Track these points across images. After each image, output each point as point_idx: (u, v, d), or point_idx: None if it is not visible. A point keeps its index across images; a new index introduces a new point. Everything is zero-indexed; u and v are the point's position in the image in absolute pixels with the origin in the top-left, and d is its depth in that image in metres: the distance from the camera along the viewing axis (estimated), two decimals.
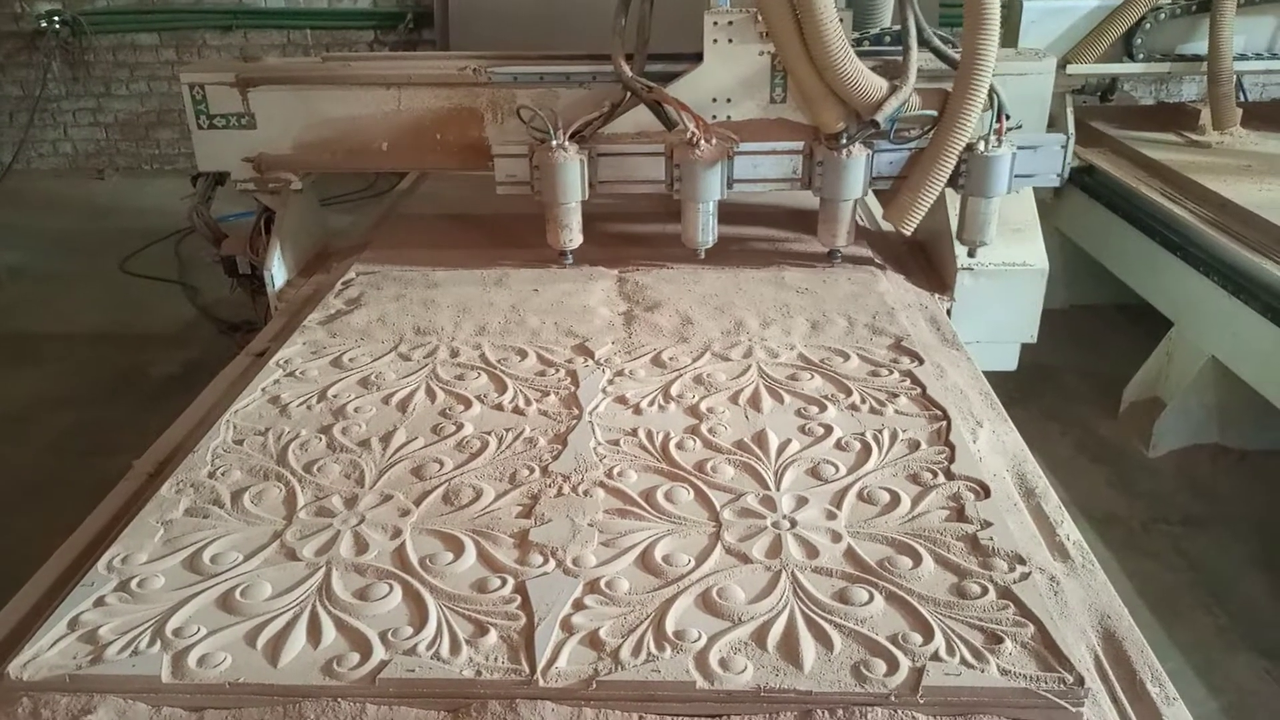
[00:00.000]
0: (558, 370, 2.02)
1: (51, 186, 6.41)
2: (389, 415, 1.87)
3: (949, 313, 2.53)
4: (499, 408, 1.89)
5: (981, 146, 2.41)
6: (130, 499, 1.73)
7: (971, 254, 2.55)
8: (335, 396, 1.94)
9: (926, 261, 2.69)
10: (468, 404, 1.90)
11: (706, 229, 2.52)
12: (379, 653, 1.28)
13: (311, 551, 1.48)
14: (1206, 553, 2.64)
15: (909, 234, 2.51)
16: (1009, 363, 2.66)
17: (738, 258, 2.64)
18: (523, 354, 2.10)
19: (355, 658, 1.28)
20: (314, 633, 1.33)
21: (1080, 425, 3.26)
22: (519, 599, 1.37)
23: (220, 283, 3.23)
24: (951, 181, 2.45)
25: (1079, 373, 3.57)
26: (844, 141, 2.43)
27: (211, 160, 2.69)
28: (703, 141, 2.39)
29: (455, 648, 1.29)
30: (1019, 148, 2.45)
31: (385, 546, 1.49)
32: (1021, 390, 3.16)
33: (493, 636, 1.31)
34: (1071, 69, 3.43)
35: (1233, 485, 2.91)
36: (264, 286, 2.66)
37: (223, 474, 1.69)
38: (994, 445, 1.81)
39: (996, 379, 2.11)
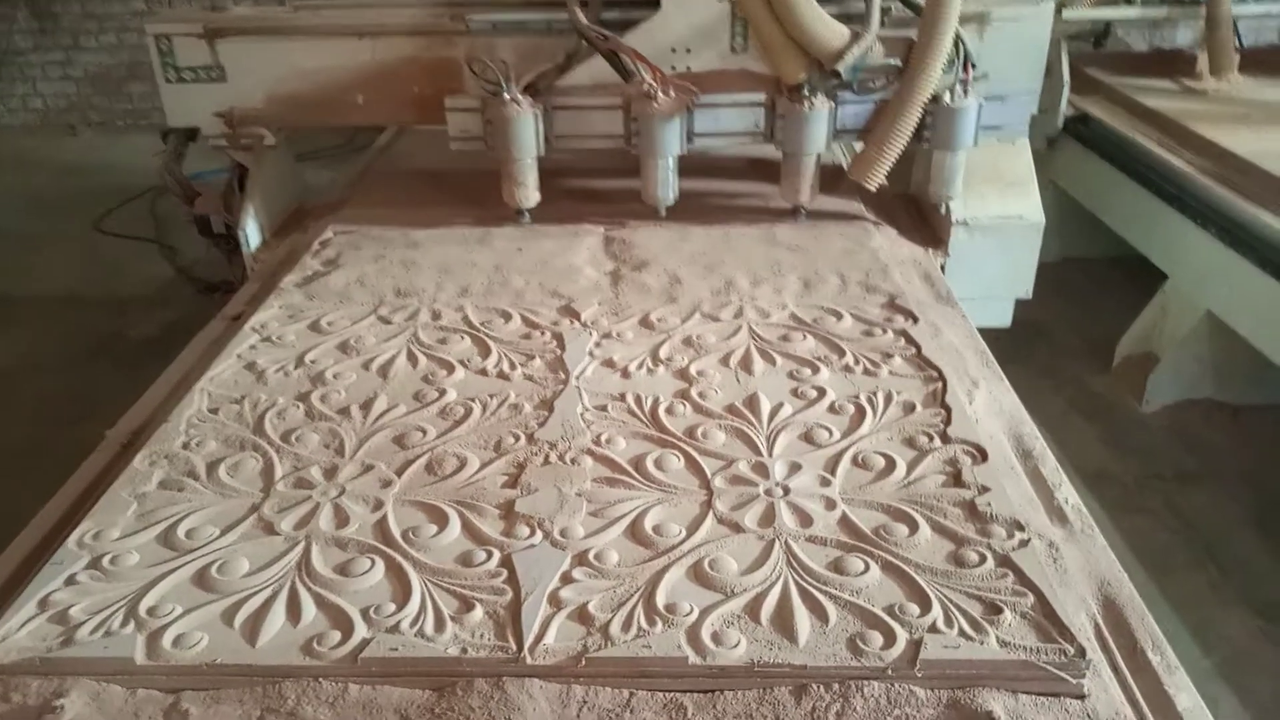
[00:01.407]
0: (543, 333, 1.96)
1: (22, 143, 6.25)
2: (369, 381, 1.82)
3: (943, 268, 2.47)
4: (483, 373, 1.83)
5: (947, 98, 2.34)
6: (103, 471, 1.68)
7: (940, 209, 2.49)
8: (313, 362, 1.88)
9: (920, 216, 2.63)
10: (450, 369, 1.84)
11: (667, 185, 2.45)
12: (361, 631, 1.24)
13: (290, 525, 1.44)
14: (1200, 509, 2.63)
15: (873, 189, 2.45)
16: (1003, 319, 2.61)
17: (712, 214, 2.56)
18: (507, 316, 2.04)
19: (336, 636, 1.24)
20: (293, 610, 1.28)
21: (1073, 381, 3.23)
22: (505, 573, 1.33)
23: (198, 241, 3.14)
24: (917, 134, 2.38)
25: (1071, 328, 3.53)
26: (806, 93, 2.34)
27: (181, 115, 2.60)
28: (660, 93, 2.31)
29: (440, 624, 1.25)
30: (986, 98, 2.38)
31: (366, 519, 1.45)
32: (1014, 346, 3.11)
33: (478, 612, 1.27)
34: (1068, 13, 3.35)
35: (1226, 441, 2.89)
36: (239, 246, 2.57)
37: (198, 445, 1.63)
38: (990, 406, 1.77)
39: (988, 335, 2.07)
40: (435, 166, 2.86)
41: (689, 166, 2.54)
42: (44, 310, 3.95)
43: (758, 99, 2.43)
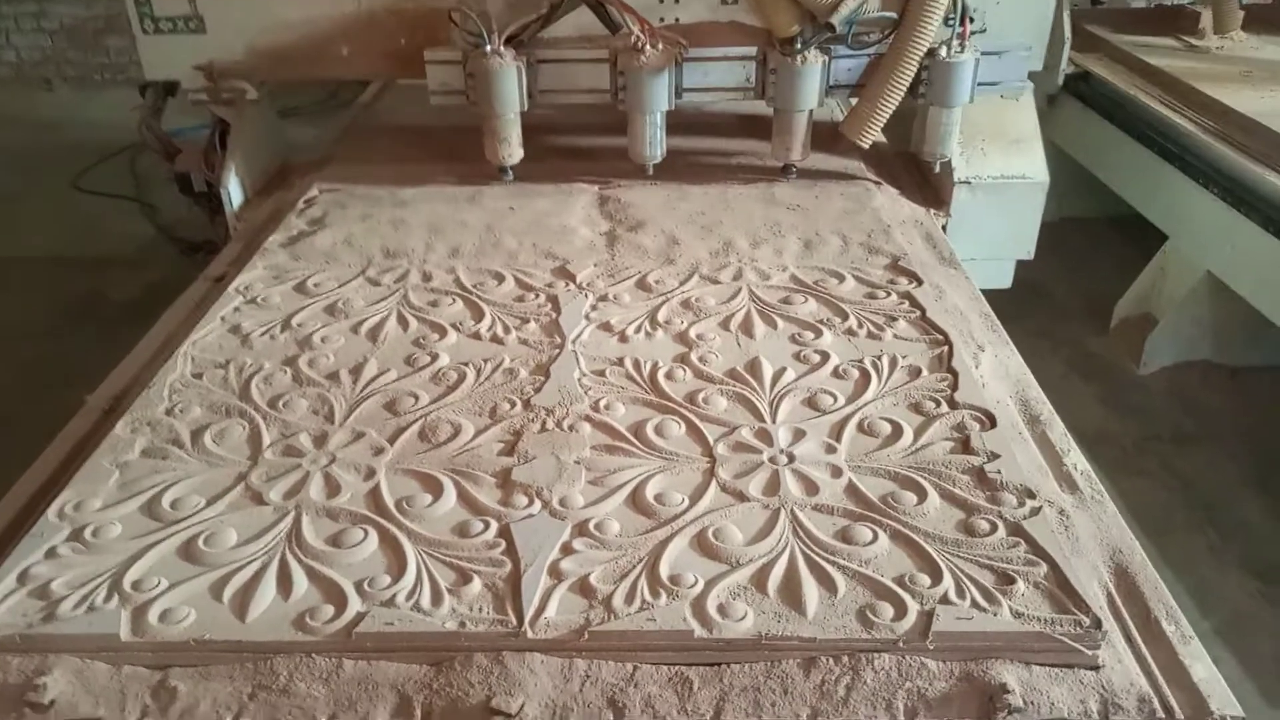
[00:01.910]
0: (537, 295, 1.91)
1: None
2: (358, 345, 1.76)
3: (944, 229, 2.42)
4: (476, 336, 1.78)
5: (943, 52, 2.27)
6: (83, 438, 1.62)
7: (934, 168, 2.44)
8: (300, 325, 1.82)
9: (921, 175, 2.57)
10: (442, 332, 1.78)
11: (654, 142, 2.38)
12: (355, 604, 1.20)
13: (279, 495, 1.39)
14: (1198, 471, 2.62)
15: (865, 146, 2.39)
16: (1004, 280, 2.57)
17: (706, 173, 2.50)
18: (500, 278, 1.98)
19: (329, 610, 1.20)
20: (284, 583, 1.24)
21: (1070, 342, 3.20)
22: (503, 544, 1.29)
23: (179, 200, 3.05)
24: (911, 90, 2.32)
25: (1069, 288, 3.50)
26: (798, 47, 2.26)
27: (159, 68, 2.50)
28: (648, 46, 2.23)
29: (437, 598, 1.21)
30: (983, 53, 2.31)
31: (358, 488, 1.40)
32: (1012, 306, 3.07)
33: (476, 585, 1.23)
34: None
35: (1224, 402, 2.87)
36: (222, 205, 2.50)
37: (181, 411, 1.58)
38: (996, 370, 1.73)
39: (987, 296, 2.02)
40: (423, 122, 2.77)
41: (679, 123, 2.47)
42: (21, 271, 3.86)
43: (749, 53, 2.36)
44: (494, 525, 1.32)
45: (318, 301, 1.90)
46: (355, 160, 2.64)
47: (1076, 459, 1.54)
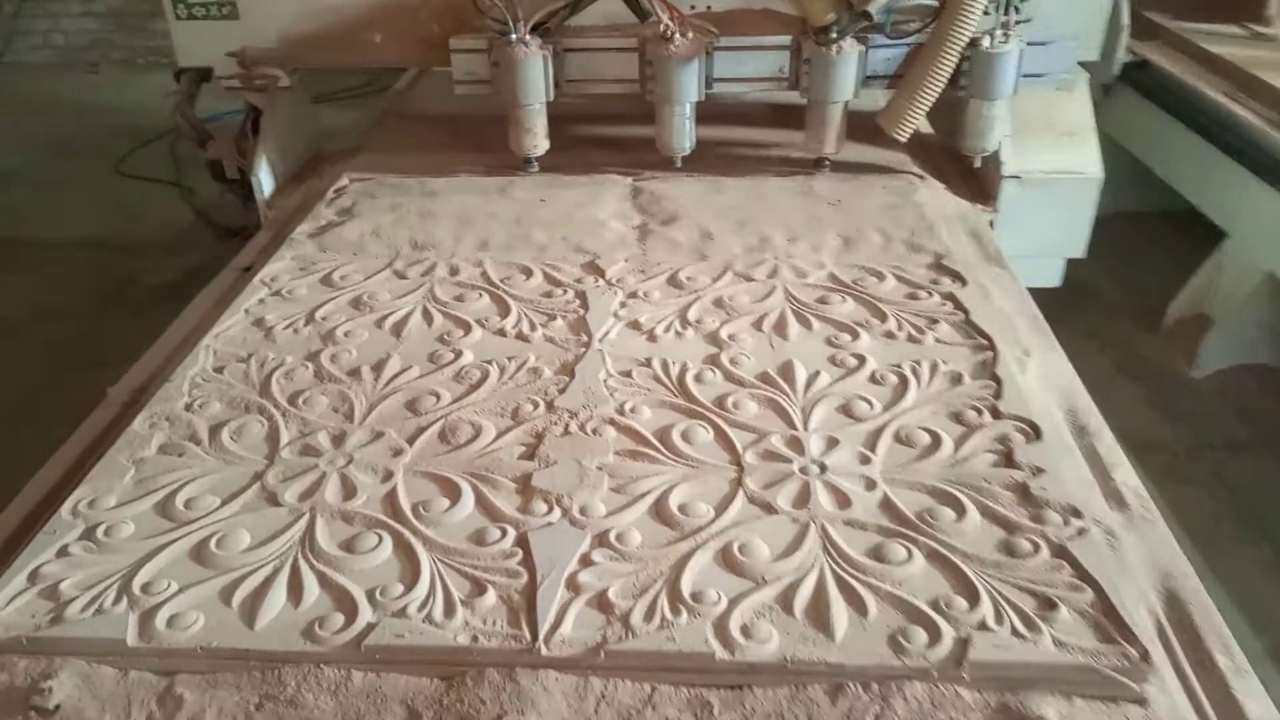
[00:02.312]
0: (565, 291, 1.86)
1: (43, 81, 6.16)
2: (382, 340, 1.73)
3: (991, 225, 2.33)
4: (501, 333, 1.73)
5: (986, 42, 2.17)
6: (103, 432, 1.60)
7: (975, 163, 2.35)
8: (324, 319, 1.79)
9: (967, 169, 2.48)
10: (467, 329, 1.74)
11: (683, 133, 2.31)
12: (365, 614, 1.16)
13: (294, 496, 1.35)
14: (1252, 481, 2.51)
15: (903, 140, 2.30)
16: (1053, 278, 2.47)
17: (740, 164, 2.42)
18: (528, 272, 1.93)
19: (340, 619, 1.16)
20: (295, 590, 1.21)
21: (1120, 343, 3.09)
22: (520, 553, 1.24)
23: (215, 185, 3.06)
24: (953, 81, 2.22)
25: (1120, 285, 3.37)
26: (834, 36, 2.18)
27: (192, 54, 2.48)
28: (678, 35, 2.16)
29: (450, 609, 1.17)
30: (1028, 43, 2.21)
31: (375, 491, 1.36)
32: (1059, 303, 2.97)
33: (491, 596, 1.18)
34: None
35: None
36: (254, 192, 2.48)
37: (201, 406, 1.55)
38: (1043, 377, 1.65)
39: (1033, 294, 1.94)
40: (456, 110, 2.73)
41: (714, 112, 2.40)
42: (60, 254, 3.89)
43: (782, 42, 2.28)
44: (511, 533, 1.28)
45: (343, 294, 1.87)
46: (387, 149, 2.61)
47: (1126, 474, 1.46)
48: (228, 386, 1.60)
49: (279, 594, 1.20)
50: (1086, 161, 2.35)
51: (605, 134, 2.66)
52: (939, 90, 2.21)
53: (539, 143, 2.33)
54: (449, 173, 2.40)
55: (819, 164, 2.38)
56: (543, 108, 2.29)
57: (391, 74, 4.22)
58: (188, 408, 1.55)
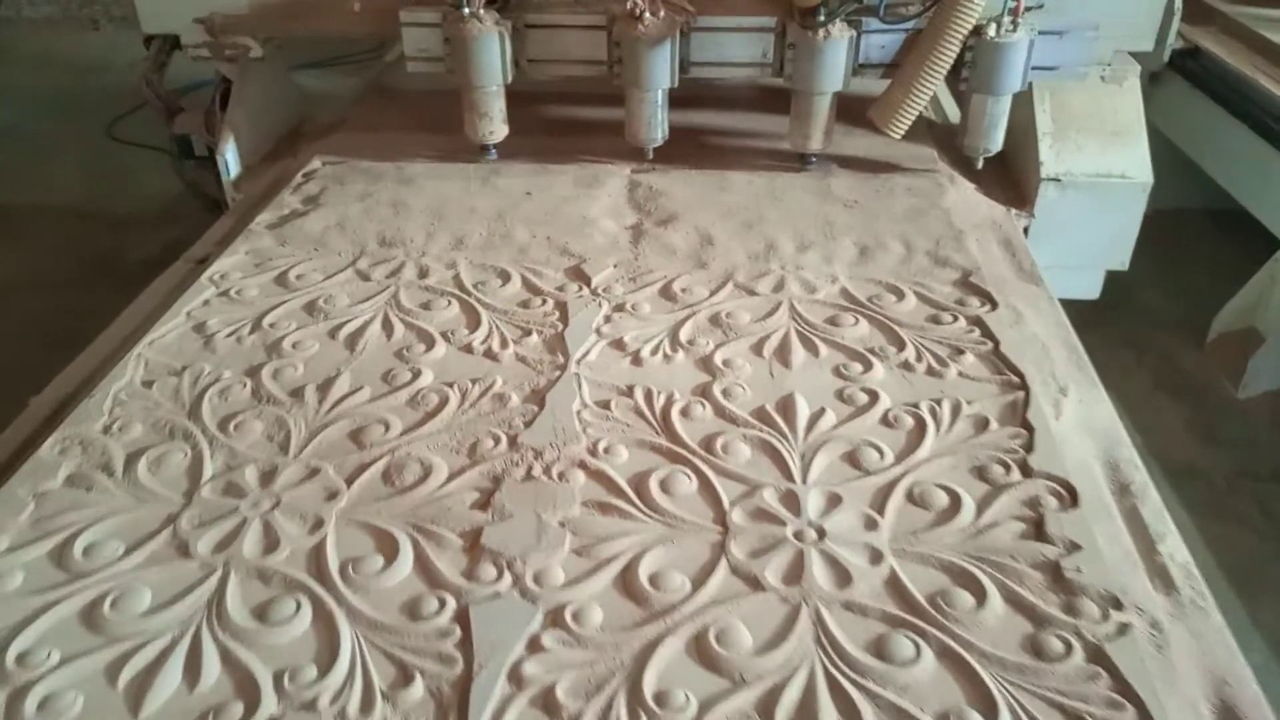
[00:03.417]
0: (544, 301, 1.66)
1: (42, 38, 5.97)
2: (333, 354, 1.54)
3: (1025, 231, 2.11)
4: (468, 349, 1.54)
5: (992, 30, 1.94)
6: (16, 450, 1.42)
7: (976, 163, 2.13)
8: (272, 326, 1.60)
9: (1001, 165, 2.25)
10: (430, 343, 1.55)
11: (654, 124, 2.09)
12: (269, 705, 0.98)
13: (208, 546, 1.17)
14: None
15: (897, 138, 2.07)
16: (1091, 290, 2.25)
17: (739, 155, 2.21)
18: (505, 277, 1.73)
19: (238, 709, 0.98)
20: (192, 668, 1.02)
21: (1159, 355, 2.86)
22: (458, 631, 1.06)
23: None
24: (954, 72, 2.00)
25: (1160, 291, 3.13)
26: (822, 19, 1.95)
27: (157, 20, 2.29)
28: (648, 14, 1.94)
29: (368, 702, 0.99)
30: (1040, 32, 1.98)
31: (300, 543, 1.18)
32: (1092, 310, 2.75)
33: (418, 687, 1.00)
34: None
35: None
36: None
37: (120, 429, 1.37)
38: (1081, 420, 1.44)
39: (1067, 306, 1.73)
40: (445, 85, 2.53)
41: (715, 96, 2.18)
42: (46, 223, 3.72)
43: (766, 24, 2.05)
44: (451, 605, 1.09)
45: (297, 297, 1.68)
46: (365, 127, 2.41)
47: (1175, 545, 1.25)
48: (154, 406, 1.42)
49: (173, 673, 1.02)
50: (1135, 164, 2.12)
51: (574, 116, 2.45)
52: (938, 82, 1.99)
53: (496, 128, 2.12)
54: (428, 156, 2.20)
55: (804, 160, 2.16)
56: (500, 90, 2.08)
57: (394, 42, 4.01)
58: (106, 430, 1.37)
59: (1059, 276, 1.98)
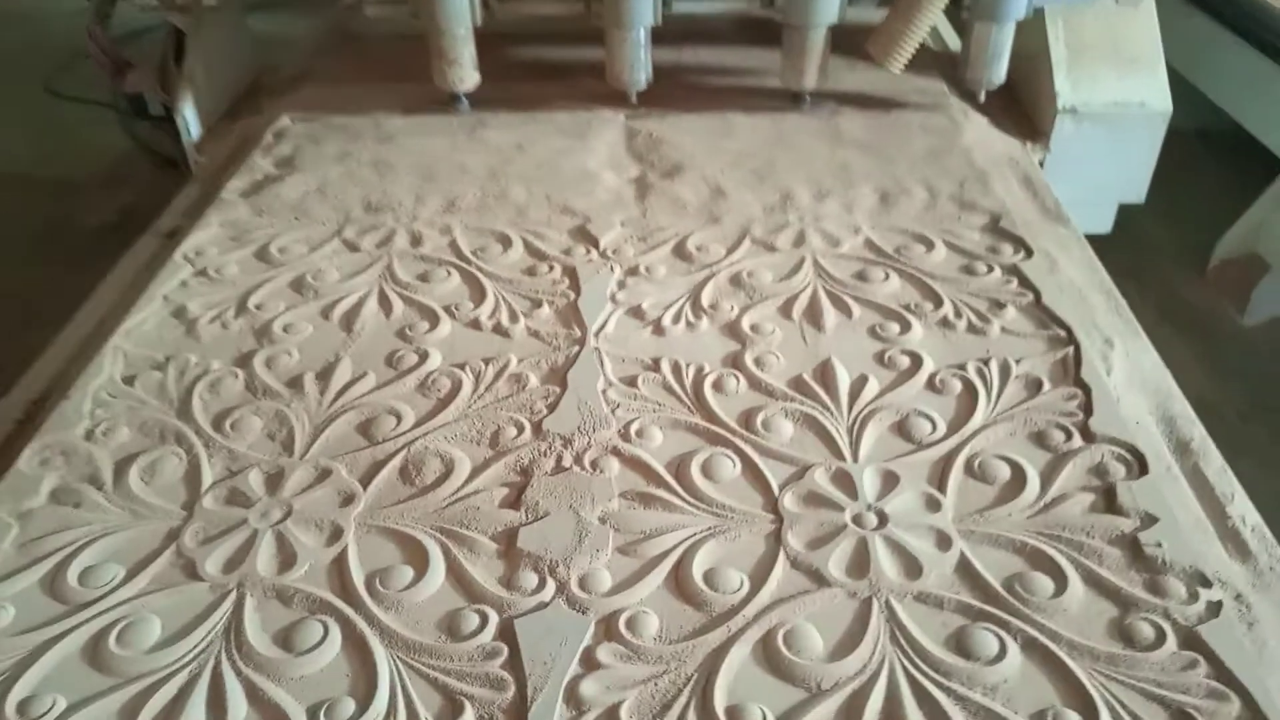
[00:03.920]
0: (551, 267, 1.55)
1: None
2: (329, 337, 1.42)
3: (1041, 165, 2.01)
4: (475, 325, 1.43)
5: None
6: None
7: (978, 96, 2.03)
8: (259, 308, 1.48)
9: (1010, 98, 2.15)
10: (434, 320, 1.44)
11: (637, 65, 1.97)
12: None
13: (218, 565, 1.07)
14: None
15: (897, 72, 1.97)
16: (1103, 224, 2.18)
17: (693, 99, 2.08)
18: (505, 241, 1.61)
19: None
20: (217, 708, 0.93)
21: (1162, 285, 2.80)
22: (505, 650, 0.97)
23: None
24: (955, 1, 1.90)
25: (1159, 218, 3.05)
26: None
27: None
28: None
29: None
30: None
31: (319, 556, 1.08)
32: (1091, 240, 2.69)
33: (469, 718, 0.91)
34: None
35: None
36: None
37: (105, 433, 1.25)
38: (1131, 375, 1.37)
39: None
40: (413, 29, 2.36)
41: (710, 30, 2.04)
42: None
43: None
44: (493, 620, 1.00)
45: (282, 274, 1.55)
46: (334, 79, 2.24)
47: (1244, 507, 1.19)
48: (139, 405, 1.30)
49: (196, 715, 0.92)
50: (1154, 91, 2.02)
51: (547, 58, 2.30)
52: (938, 12, 1.88)
53: (466, 75, 1.97)
54: (409, 109, 2.05)
55: (797, 99, 2.04)
56: (469, 34, 1.93)
57: None
58: (89, 435, 1.25)
59: (1071, 212, 1.89)
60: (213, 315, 1.46)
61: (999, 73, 2.00)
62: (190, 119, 2.08)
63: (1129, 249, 2.90)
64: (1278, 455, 2.24)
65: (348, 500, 1.14)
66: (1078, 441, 1.20)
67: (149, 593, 1.04)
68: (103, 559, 1.08)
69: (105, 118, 3.99)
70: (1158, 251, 2.94)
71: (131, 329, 1.43)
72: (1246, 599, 1.05)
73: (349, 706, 0.92)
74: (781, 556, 1.06)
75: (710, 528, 1.09)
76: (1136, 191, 2.10)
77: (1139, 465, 1.16)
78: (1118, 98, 2.01)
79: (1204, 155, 3.29)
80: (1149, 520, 1.09)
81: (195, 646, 0.98)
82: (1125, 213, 2.92)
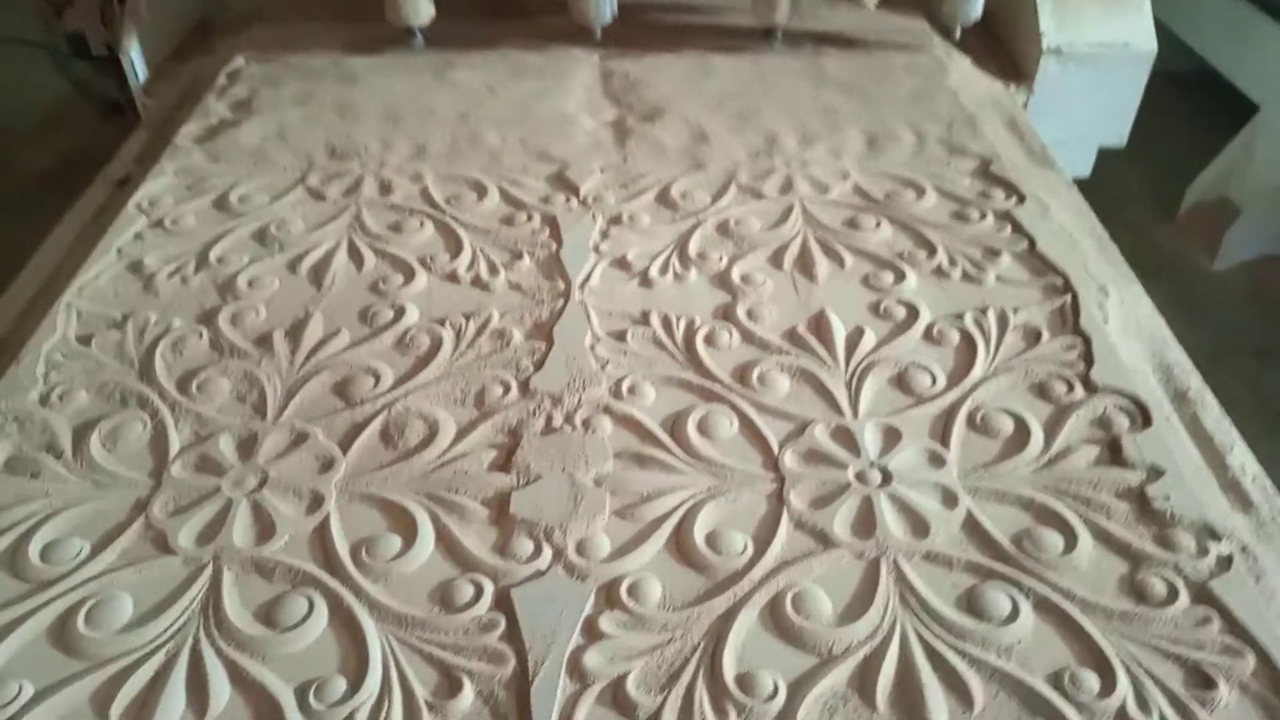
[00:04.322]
0: (530, 216, 1.48)
1: None
2: (298, 291, 1.34)
3: (1024, 107, 1.97)
4: (452, 278, 1.36)
5: None
6: None
7: (953, 36, 1.98)
8: (220, 261, 1.39)
9: (991, 37, 2.09)
10: (408, 273, 1.37)
11: (602, 0, 1.89)
12: None
13: (191, 538, 1.01)
14: None
15: (872, 8, 1.91)
16: (1082, 168, 2.15)
17: (662, 37, 2.01)
18: (480, 190, 1.54)
19: None
20: (197, 691, 0.88)
21: (1133, 229, 2.78)
22: (502, 622, 0.93)
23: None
24: None
25: (1129, 161, 3.04)
26: None
27: None
28: None
29: (412, 717, 0.86)
30: None
31: (300, 525, 1.02)
32: None
33: (468, 694, 0.87)
34: None
35: None
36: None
37: (62, 398, 1.17)
38: (1127, 324, 1.35)
39: None
40: None
41: None
42: None
43: None
44: (489, 589, 0.96)
45: (243, 224, 1.46)
46: (290, 15, 2.12)
47: (1244, 457, 1.18)
48: (96, 367, 1.22)
49: (176, 698, 0.87)
50: (1139, 31, 1.98)
51: None
52: None
53: (420, 9, 1.87)
54: (372, 48, 1.94)
55: (769, 35, 1.98)
56: None
57: None
58: (44, 400, 1.17)
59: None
60: (172, 269, 1.37)
61: (975, 8, 1.95)
62: (137, 59, 1.95)
63: (1099, 192, 2.90)
64: (1249, 400, 2.27)
65: (327, 466, 1.08)
66: (1080, 393, 1.17)
67: (118, 568, 0.98)
68: (66, 533, 1.01)
69: (35, 58, 3.78)
70: (1128, 196, 2.93)
71: (84, 285, 1.35)
72: (1252, 551, 1.04)
73: (339, 686, 0.87)
74: (785, 517, 1.02)
75: (710, 488, 1.05)
76: (1118, 134, 2.07)
77: (1142, 416, 1.14)
78: (1103, 38, 1.96)
79: (1175, 99, 3.28)
80: (1155, 473, 1.07)
81: (171, 625, 0.93)
82: (1096, 156, 2.90)
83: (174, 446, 1.11)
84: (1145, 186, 2.96)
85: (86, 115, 3.37)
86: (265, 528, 1.02)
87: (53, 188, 2.91)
